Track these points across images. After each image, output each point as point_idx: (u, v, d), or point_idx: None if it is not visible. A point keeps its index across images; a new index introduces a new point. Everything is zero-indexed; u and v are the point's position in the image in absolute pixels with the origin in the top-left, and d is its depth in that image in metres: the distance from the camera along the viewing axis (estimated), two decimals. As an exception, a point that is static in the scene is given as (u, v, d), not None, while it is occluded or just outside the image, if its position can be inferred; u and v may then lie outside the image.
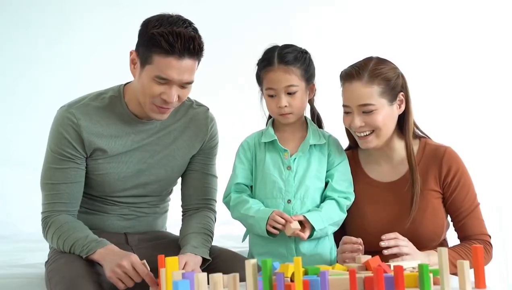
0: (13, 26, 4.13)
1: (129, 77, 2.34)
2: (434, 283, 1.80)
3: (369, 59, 2.28)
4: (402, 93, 2.29)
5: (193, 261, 2.12)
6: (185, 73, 2.12)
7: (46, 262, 2.28)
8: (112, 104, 2.26)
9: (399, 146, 2.34)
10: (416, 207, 2.25)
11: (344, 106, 2.28)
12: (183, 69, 2.11)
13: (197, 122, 2.35)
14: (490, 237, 2.31)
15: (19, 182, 3.69)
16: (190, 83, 2.17)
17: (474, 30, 4.41)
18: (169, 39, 2.07)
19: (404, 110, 2.30)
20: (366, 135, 2.27)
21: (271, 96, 2.27)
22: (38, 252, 2.69)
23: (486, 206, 2.46)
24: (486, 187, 3.52)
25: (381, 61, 2.28)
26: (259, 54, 2.32)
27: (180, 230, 2.35)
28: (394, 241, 2.13)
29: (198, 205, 2.38)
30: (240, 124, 3.11)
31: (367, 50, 2.52)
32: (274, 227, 2.20)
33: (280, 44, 2.31)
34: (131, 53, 2.19)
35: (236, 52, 4.07)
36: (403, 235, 2.18)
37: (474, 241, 2.27)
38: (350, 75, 2.25)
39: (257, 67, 2.31)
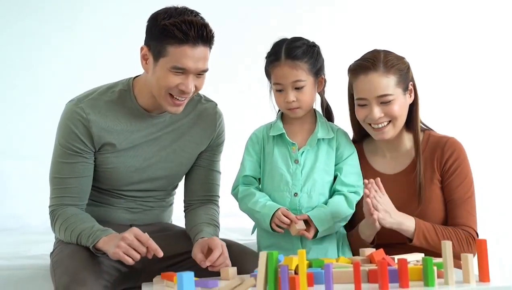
0: (13, 22, 4.13)
1: (132, 72, 2.34)
2: (438, 276, 1.81)
3: (377, 51, 2.29)
4: (411, 82, 2.30)
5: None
6: (200, 61, 2.13)
7: (51, 253, 2.29)
8: (122, 98, 2.26)
9: (405, 137, 2.35)
10: (423, 197, 2.26)
11: (359, 99, 2.27)
12: (197, 57, 2.12)
13: (206, 118, 2.35)
14: (476, 233, 2.28)
15: (25, 175, 3.70)
16: (205, 71, 2.17)
17: (477, 22, 4.40)
18: (182, 27, 2.08)
19: (413, 100, 2.32)
20: (383, 126, 2.27)
21: (279, 90, 2.27)
22: (44, 244, 2.70)
23: (487, 202, 2.46)
24: (487, 184, 3.53)
25: (389, 53, 2.29)
26: (261, 48, 2.31)
27: (188, 221, 2.36)
28: (374, 193, 2.11)
29: (202, 200, 2.39)
30: (243, 119, 3.12)
31: (369, 43, 2.52)
32: (279, 226, 2.20)
33: (288, 37, 2.30)
34: (141, 48, 2.18)
35: (237, 48, 4.07)
36: None
37: (457, 229, 2.26)
38: (365, 67, 2.24)
39: (266, 61, 2.31)
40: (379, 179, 2.16)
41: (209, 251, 2.12)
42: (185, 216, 2.40)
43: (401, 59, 2.28)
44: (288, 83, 2.25)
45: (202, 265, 2.09)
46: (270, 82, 2.31)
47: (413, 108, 2.32)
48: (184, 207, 2.42)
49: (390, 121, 2.26)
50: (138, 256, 2.03)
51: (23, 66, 4.11)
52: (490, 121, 4.30)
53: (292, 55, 2.24)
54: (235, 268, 2.05)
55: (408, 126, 2.33)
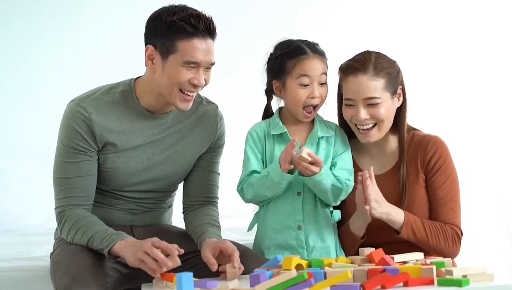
0: (14, 22, 4.14)
1: (134, 72, 2.34)
2: (438, 276, 1.81)
3: (369, 53, 2.30)
4: (400, 86, 2.32)
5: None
6: (208, 54, 2.15)
7: (51, 254, 2.29)
8: (124, 98, 2.26)
9: (391, 138, 2.36)
10: (406, 199, 2.27)
11: (347, 99, 2.29)
12: (207, 49, 2.14)
13: (207, 120, 2.35)
14: (461, 232, 2.29)
15: (26, 175, 3.70)
16: (213, 64, 2.19)
17: (469, 24, 4.40)
18: (191, 21, 2.11)
19: (401, 104, 2.33)
20: (369, 129, 2.28)
21: (305, 85, 2.26)
22: (45, 245, 2.69)
23: (490, 198, 2.46)
24: (489, 180, 3.52)
25: (381, 55, 2.30)
26: (258, 48, 2.31)
27: (189, 222, 2.35)
28: (367, 184, 2.14)
29: (201, 201, 2.38)
30: (240, 120, 3.11)
31: (364, 40, 2.53)
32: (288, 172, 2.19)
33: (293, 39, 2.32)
34: (146, 49, 2.18)
35: (234, 48, 4.07)
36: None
37: (444, 225, 2.26)
38: (354, 68, 2.26)
39: (279, 59, 2.29)
40: (372, 168, 2.18)
41: (220, 254, 2.13)
42: (185, 218, 2.39)
43: (392, 63, 2.30)
44: (316, 76, 2.25)
45: (212, 268, 2.10)
46: (284, 80, 2.29)
47: (400, 111, 2.33)
48: (183, 208, 2.41)
49: (376, 124, 2.28)
50: (162, 270, 2.02)
51: (24, 65, 4.11)
52: (483, 122, 4.29)
53: (318, 51, 2.28)
54: (236, 269, 2.06)
55: (394, 128, 2.34)
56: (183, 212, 2.41)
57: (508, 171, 4.04)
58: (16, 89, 4.10)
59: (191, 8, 2.16)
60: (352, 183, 2.30)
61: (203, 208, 2.36)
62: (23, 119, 4.05)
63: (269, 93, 2.39)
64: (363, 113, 2.26)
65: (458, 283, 1.73)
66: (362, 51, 2.32)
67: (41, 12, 4.18)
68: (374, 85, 2.24)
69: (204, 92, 2.35)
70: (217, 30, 2.17)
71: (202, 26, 2.12)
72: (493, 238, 2.98)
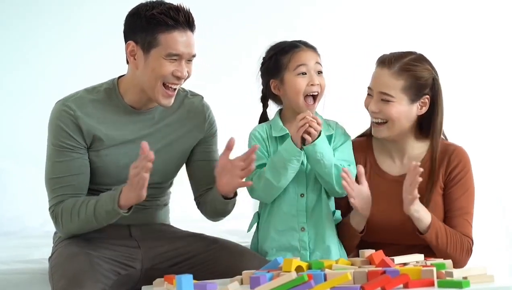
0: (15, 19, 4.14)
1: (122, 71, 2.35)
2: (438, 277, 1.81)
3: (410, 53, 2.32)
4: (427, 96, 2.30)
5: None
6: (189, 46, 2.18)
7: (49, 257, 2.28)
8: (108, 96, 2.27)
9: (414, 144, 2.36)
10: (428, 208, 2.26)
11: (368, 87, 2.33)
12: (187, 41, 2.18)
13: (195, 112, 2.35)
14: (473, 243, 2.30)
15: (26, 177, 3.69)
16: (194, 56, 2.22)
17: (479, 25, 4.39)
18: (170, 14, 2.14)
19: (432, 114, 2.32)
20: (379, 123, 2.31)
21: (303, 73, 2.29)
22: (44, 247, 2.68)
23: (490, 198, 2.46)
24: (489, 180, 3.51)
25: (419, 59, 2.31)
26: (255, 50, 2.31)
27: (203, 207, 2.36)
28: (417, 180, 2.13)
29: (208, 190, 2.36)
30: (238, 118, 3.11)
31: (365, 39, 2.52)
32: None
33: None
34: (128, 45, 2.20)
35: (230, 49, 4.07)
36: (405, 229, 2.23)
37: (463, 237, 2.27)
38: (383, 61, 2.30)
39: (274, 57, 2.32)
40: (418, 163, 2.14)
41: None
42: (201, 204, 2.38)
43: (426, 70, 2.29)
44: (312, 65, 2.29)
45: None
46: (282, 76, 2.30)
47: (431, 121, 2.32)
48: (196, 203, 2.41)
49: (386, 122, 2.29)
50: (148, 166, 2.04)
51: (24, 65, 4.11)
52: (482, 122, 4.28)
53: (309, 45, 2.33)
54: None
55: (420, 134, 2.35)
56: (197, 206, 2.41)
57: (508, 171, 4.05)
58: (16, 89, 4.10)
59: (169, 3, 2.20)
60: (354, 170, 2.28)
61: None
62: (23, 119, 4.05)
63: (264, 101, 2.41)
64: (374, 106, 2.29)
65: (458, 284, 1.74)
66: (409, 50, 2.33)
67: (41, 12, 4.18)
68: (393, 83, 2.26)
69: (204, 92, 2.35)
70: (195, 23, 2.20)
71: (182, 19, 2.15)
72: (493, 238, 2.97)
